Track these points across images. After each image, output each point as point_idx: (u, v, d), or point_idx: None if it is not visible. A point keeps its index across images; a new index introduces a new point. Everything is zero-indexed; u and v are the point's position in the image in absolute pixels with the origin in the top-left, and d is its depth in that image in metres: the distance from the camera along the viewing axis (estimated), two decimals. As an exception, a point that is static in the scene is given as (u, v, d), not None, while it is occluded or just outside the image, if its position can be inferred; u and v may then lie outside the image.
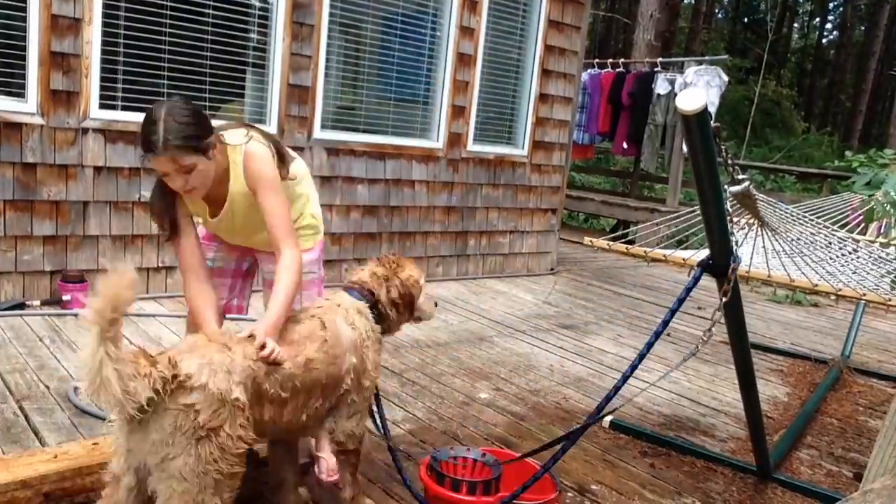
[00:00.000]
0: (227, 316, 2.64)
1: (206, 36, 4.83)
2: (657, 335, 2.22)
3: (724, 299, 2.17)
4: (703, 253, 2.76)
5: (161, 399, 1.73)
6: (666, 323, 2.22)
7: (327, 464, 2.66)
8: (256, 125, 2.56)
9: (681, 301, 2.21)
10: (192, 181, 2.15)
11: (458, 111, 6.26)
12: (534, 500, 2.33)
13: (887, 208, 4.57)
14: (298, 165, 2.63)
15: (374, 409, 2.47)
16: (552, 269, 7.41)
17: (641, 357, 2.23)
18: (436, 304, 2.56)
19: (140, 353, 1.78)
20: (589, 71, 9.97)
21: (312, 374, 2.08)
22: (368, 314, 2.29)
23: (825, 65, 32.75)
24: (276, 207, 2.27)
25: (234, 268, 2.68)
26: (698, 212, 2.54)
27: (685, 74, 9.04)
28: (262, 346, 1.96)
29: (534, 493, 2.36)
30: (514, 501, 2.29)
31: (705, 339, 2.13)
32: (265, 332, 2.01)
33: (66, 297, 4.38)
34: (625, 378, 2.25)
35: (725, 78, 9.06)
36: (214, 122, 2.27)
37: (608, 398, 2.27)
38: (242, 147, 2.29)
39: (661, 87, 9.41)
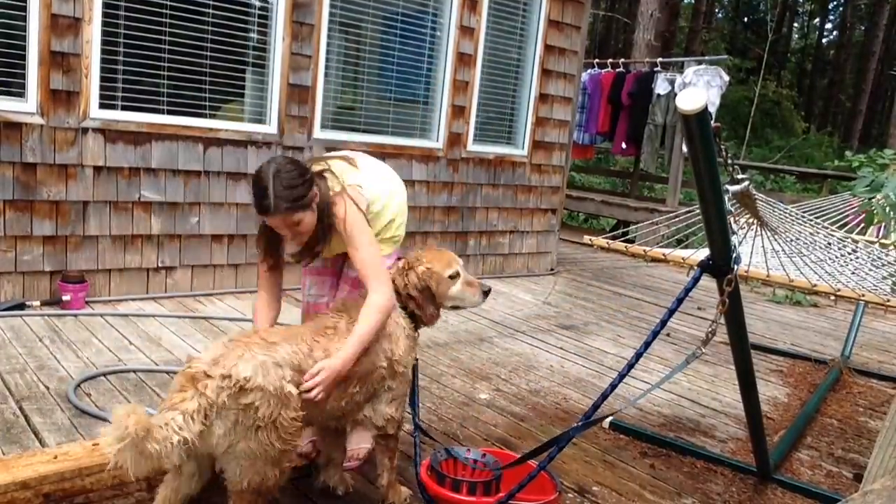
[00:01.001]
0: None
1: (206, 36, 4.83)
2: (655, 335, 2.21)
3: (724, 300, 2.16)
4: (703, 252, 2.76)
5: (223, 403, 1.94)
6: (664, 323, 2.21)
7: (356, 452, 2.78)
8: (331, 156, 2.70)
9: (679, 301, 2.20)
10: (299, 231, 2.37)
11: (458, 111, 6.26)
12: (532, 500, 2.33)
13: (887, 211, 4.56)
14: (377, 188, 2.68)
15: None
16: (552, 270, 7.41)
17: (638, 356, 2.22)
18: (485, 292, 2.64)
19: (188, 380, 1.94)
20: (589, 71, 9.97)
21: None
22: (399, 309, 2.47)
23: (825, 65, 32.75)
24: (365, 256, 2.41)
25: (330, 267, 2.84)
26: (698, 211, 2.54)
27: (684, 74, 9.03)
28: (311, 377, 2.14)
29: (534, 494, 2.36)
30: (516, 502, 2.29)
31: (707, 339, 2.12)
32: (329, 368, 2.16)
33: (65, 298, 4.38)
34: (621, 376, 2.24)
35: (726, 78, 9.05)
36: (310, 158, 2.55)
37: (604, 396, 2.27)
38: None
39: (660, 87, 9.41)
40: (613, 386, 2.27)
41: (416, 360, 2.56)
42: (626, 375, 2.26)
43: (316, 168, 2.49)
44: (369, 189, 2.60)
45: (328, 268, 2.84)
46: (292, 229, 2.35)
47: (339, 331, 2.28)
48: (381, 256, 2.49)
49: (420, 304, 2.49)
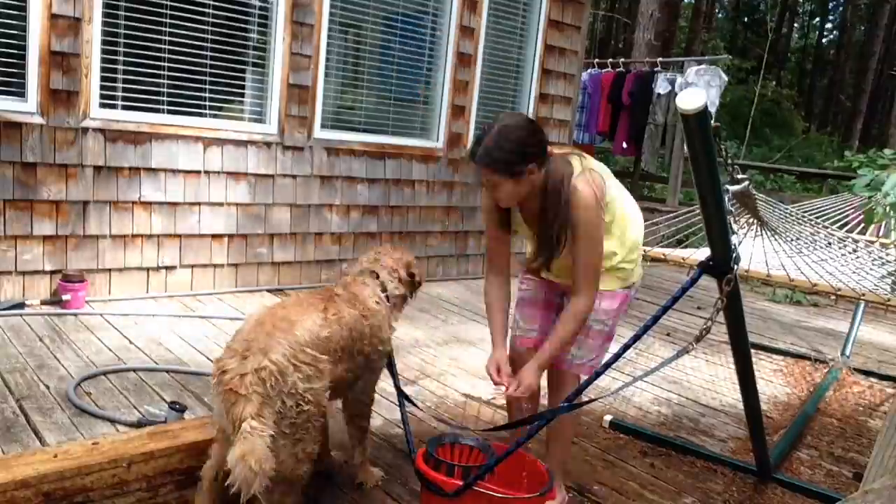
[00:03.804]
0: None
1: (206, 36, 4.83)
2: (646, 328, 2.23)
3: (723, 300, 2.16)
4: (703, 252, 2.76)
5: (268, 393, 2.01)
6: (656, 318, 2.22)
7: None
8: (586, 156, 2.53)
9: (675, 299, 2.21)
10: (496, 194, 2.38)
11: (458, 111, 6.26)
12: (514, 495, 2.32)
13: (887, 210, 4.56)
14: (617, 201, 2.49)
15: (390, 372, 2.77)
16: (552, 269, 7.41)
17: (626, 347, 2.23)
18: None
19: (231, 392, 2.00)
20: (589, 71, 9.97)
21: (351, 334, 2.35)
22: (384, 299, 2.59)
23: (825, 65, 32.75)
24: (589, 255, 2.37)
25: (543, 299, 2.76)
26: (698, 211, 2.54)
27: (686, 75, 9.03)
28: (518, 385, 2.40)
29: (533, 489, 2.36)
30: (511, 499, 2.29)
31: (700, 337, 2.13)
32: (531, 371, 2.41)
33: (66, 297, 4.38)
34: (606, 366, 2.27)
35: (725, 78, 9.07)
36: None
37: (588, 381, 2.31)
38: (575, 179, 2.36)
39: (661, 86, 9.41)
40: (598, 374, 2.30)
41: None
42: (611, 366, 2.28)
43: (558, 151, 2.45)
44: (611, 193, 2.43)
45: (539, 299, 2.77)
46: (490, 189, 2.37)
47: (342, 296, 2.43)
48: (601, 261, 2.41)
49: (406, 296, 2.72)
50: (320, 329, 2.20)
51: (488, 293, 2.70)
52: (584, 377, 2.56)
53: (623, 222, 2.50)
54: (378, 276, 2.61)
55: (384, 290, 2.60)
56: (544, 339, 2.57)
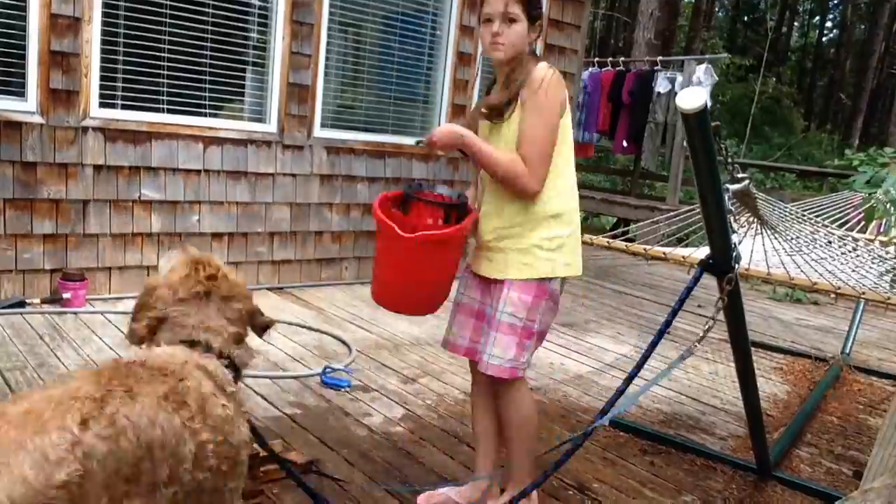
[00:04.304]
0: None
1: (206, 35, 4.83)
2: (661, 335, 2.22)
3: (724, 298, 2.17)
4: (703, 250, 2.76)
5: None
6: (668, 323, 2.21)
7: None
8: None
9: (682, 301, 2.21)
10: (507, 34, 2.20)
11: (459, 110, 6.25)
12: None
13: (888, 207, 4.57)
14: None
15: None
16: (552, 268, 7.40)
17: (644, 359, 2.23)
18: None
19: None
20: (589, 69, 9.97)
21: (151, 463, 1.42)
22: (220, 367, 1.70)
23: (825, 63, 32.75)
24: (537, 129, 2.23)
25: (477, 309, 2.52)
26: (698, 210, 2.54)
27: (695, 72, 9.03)
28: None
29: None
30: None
31: (702, 336, 2.13)
32: (451, 129, 2.38)
33: (66, 296, 4.38)
34: (628, 380, 2.24)
35: (715, 77, 9.15)
36: None
37: (611, 402, 2.25)
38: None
39: (661, 85, 9.42)
40: (620, 392, 2.23)
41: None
42: (634, 378, 2.25)
43: None
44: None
45: (473, 307, 2.54)
46: (503, 25, 2.20)
47: (148, 385, 1.48)
48: (548, 146, 2.25)
49: (243, 337, 1.82)
50: (55, 467, 1.23)
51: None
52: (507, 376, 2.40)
53: (561, 175, 2.35)
54: (210, 346, 1.72)
55: (225, 358, 1.73)
56: (473, 348, 2.49)
